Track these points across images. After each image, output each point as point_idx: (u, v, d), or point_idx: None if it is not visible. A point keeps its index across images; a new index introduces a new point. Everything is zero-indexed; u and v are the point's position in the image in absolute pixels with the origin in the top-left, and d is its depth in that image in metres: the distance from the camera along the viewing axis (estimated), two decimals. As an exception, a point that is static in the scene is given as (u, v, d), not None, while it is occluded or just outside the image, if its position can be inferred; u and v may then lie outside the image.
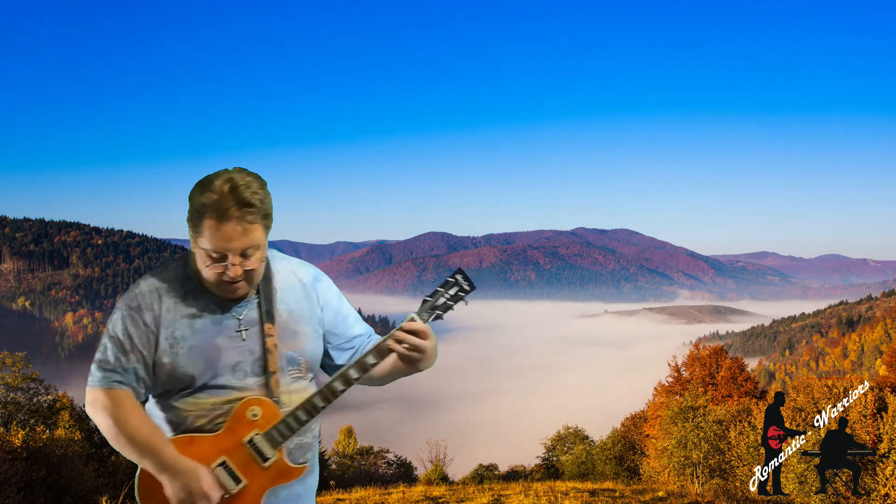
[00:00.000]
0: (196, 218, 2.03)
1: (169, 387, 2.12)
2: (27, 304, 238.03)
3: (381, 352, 2.17)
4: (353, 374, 2.15)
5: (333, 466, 27.18)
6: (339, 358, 2.34)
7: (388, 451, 29.14)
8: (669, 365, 26.58)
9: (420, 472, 26.83)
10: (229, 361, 2.11)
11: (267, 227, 2.10)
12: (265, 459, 2.10)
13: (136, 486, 2.11)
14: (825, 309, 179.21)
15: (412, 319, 2.20)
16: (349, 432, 30.84)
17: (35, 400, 17.95)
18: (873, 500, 9.54)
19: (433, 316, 2.24)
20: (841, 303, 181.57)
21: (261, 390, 2.13)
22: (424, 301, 2.25)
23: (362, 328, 2.40)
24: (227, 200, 1.99)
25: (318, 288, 2.30)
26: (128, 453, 2.06)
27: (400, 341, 2.18)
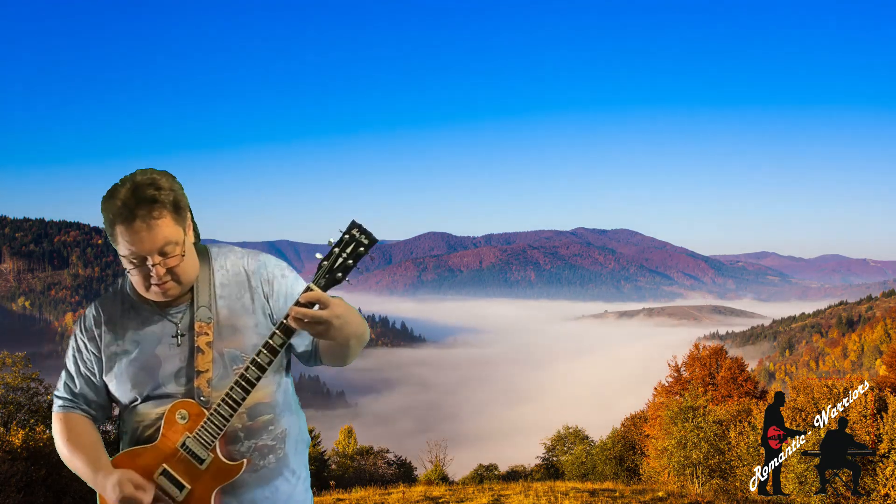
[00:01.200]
0: (109, 228, 2.02)
1: (121, 402, 2.16)
2: (27, 304, 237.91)
3: (285, 330, 2.04)
4: (264, 358, 2.04)
5: (333, 466, 27.15)
6: (300, 345, 2.25)
7: (388, 451, 29.11)
8: (669, 365, 26.56)
9: (420, 472, 26.82)
10: (170, 369, 2.10)
11: (179, 221, 2.06)
12: (201, 461, 2.06)
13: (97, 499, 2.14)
14: (825, 309, 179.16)
15: (309, 289, 2.02)
16: (349, 432, 30.82)
17: (35, 400, 17.94)
18: (873, 500, 9.54)
19: (332, 279, 2.02)
20: (841, 303, 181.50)
21: (188, 392, 2.09)
22: (320, 266, 2.03)
23: None
24: (129, 202, 1.98)
25: (263, 275, 2.20)
26: (75, 470, 2.13)
27: (298, 318, 1.98)
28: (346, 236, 2.01)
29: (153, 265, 2.02)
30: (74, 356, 2.20)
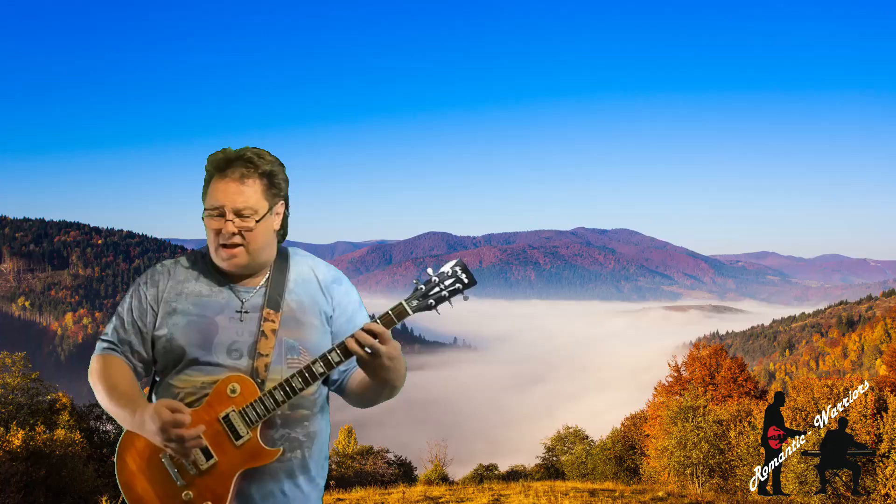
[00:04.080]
0: (206, 181, 2.14)
1: (165, 361, 2.15)
2: (27, 304, 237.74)
3: (343, 350, 2.09)
4: (318, 368, 2.09)
5: (333, 466, 27.15)
6: (334, 372, 2.31)
7: (388, 451, 29.10)
8: (669, 365, 26.55)
9: (420, 472, 26.80)
10: (225, 340, 2.12)
11: (267, 196, 2.15)
12: (238, 437, 2.06)
13: (115, 460, 2.13)
14: (825, 309, 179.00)
15: (391, 315, 2.10)
16: (349, 432, 30.82)
17: (35, 400, 17.94)
18: (873, 500, 9.53)
19: (423, 306, 2.09)
20: (841, 303, 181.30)
21: (247, 371, 2.11)
22: (416, 289, 2.11)
23: None
24: (230, 157, 2.11)
25: (334, 289, 2.28)
26: (111, 410, 2.13)
27: (359, 342, 2.06)
28: (449, 271, 2.12)
29: (227, 220, 2.09)
30: (131, 303, 2.20)
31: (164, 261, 2.27)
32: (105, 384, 2.14)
